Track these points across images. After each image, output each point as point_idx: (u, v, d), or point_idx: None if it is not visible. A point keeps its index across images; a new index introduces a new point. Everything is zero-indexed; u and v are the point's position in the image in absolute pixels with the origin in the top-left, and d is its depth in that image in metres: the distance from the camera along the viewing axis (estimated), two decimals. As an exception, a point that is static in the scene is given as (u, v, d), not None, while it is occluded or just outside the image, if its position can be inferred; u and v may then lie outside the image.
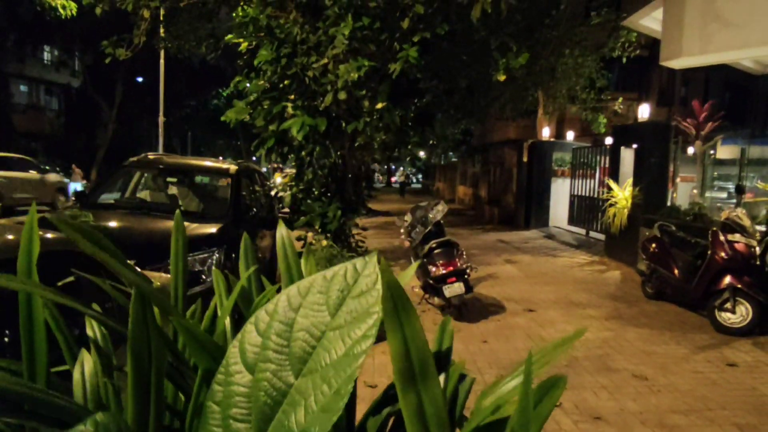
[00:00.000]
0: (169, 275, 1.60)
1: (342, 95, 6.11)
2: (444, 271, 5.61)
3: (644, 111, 9.68)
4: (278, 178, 23.13)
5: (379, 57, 6.41)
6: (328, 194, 7.63)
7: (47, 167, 17.11)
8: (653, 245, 6.75)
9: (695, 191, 12.25)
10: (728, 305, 5.39)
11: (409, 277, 1.20)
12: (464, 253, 6.03)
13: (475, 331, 5.38)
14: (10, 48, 27.37)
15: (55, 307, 1.10)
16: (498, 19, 8.00)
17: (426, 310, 6.03)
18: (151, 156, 6.60)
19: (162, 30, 10.10)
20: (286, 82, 6.54)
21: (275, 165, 32.48)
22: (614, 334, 5.35)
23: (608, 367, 4.44)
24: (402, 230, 6.62)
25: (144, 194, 6.40)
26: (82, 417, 0.65)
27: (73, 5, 10.01)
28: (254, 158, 30.93)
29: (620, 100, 17.02)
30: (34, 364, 0.97)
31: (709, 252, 5.69)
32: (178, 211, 1.34)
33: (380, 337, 0.72)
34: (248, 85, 6.82)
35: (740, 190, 8.52)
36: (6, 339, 2.15)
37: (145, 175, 6.50)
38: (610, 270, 8.83)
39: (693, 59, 7.30)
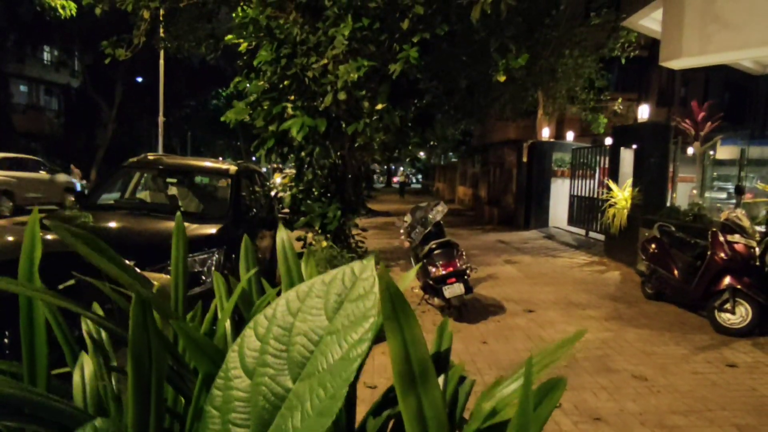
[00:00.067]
0: (169, 276, 1.60)
1: (342, 96, 6.12)
2: (444, 272, 5.61)
3: (644, 111, 9.69)
4: (278, 179, 23.13)
5: (379, 57, 6.42)
6: (328, 195, 7.64)
7: (58, 167, 17.35)
8: (653, 246, 6.75)
9: (695, 192, 12.25)
10: (728, 306, 5.39)
11: (409, 281, 1.21)
12: (464, 253, 6.03)
13: (475, 331, 5.38)
14: (10, 48, 27.38)
15: (56, 309, 1.10)
16: (498, 19, 8.00)
17: (426, 310, 6.03)
18: (150, 156, 6.59)
19: (162, 30, 10.10)
20: (285, 82, 6.55)
21: (275, 165, 32.48)
22: (614, 334, 5.35)
23: (608, 367, 4.44)
24: (402, 231, 6.62)
25: (144, 195, 6.40)
26: (82, 421, 0.65)
27: (73, 5, 10.01)
28: (254, 158, 30.91)
29: (620, 100, 17.04)
30: (34, 367, 0.97)
31: (708, 253, 5.69)
32: (179, 213, 1.34)
33: (380, 338, 0.72)
34: (248, 85, 6.82)
35: (740, 191, 8.53)
36: (6, 340, 2.16)
37: (145, 175, 6.49)
38: (609, 270, 8.84)
39: (692, 60, 7.31)
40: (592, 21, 13.33)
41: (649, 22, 8.54)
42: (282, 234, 1.29)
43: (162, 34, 10.31)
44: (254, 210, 6.47)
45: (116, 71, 25.44)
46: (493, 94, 14.26)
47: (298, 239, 7.64)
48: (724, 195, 15.07)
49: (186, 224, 1.35)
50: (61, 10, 9.91)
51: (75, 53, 30.02)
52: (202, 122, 38.23)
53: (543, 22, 12.46)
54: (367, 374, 3.97)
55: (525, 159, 14.85)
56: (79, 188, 15.99)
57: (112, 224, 4.93)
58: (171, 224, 4.89)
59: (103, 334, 1.14)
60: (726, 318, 5.42)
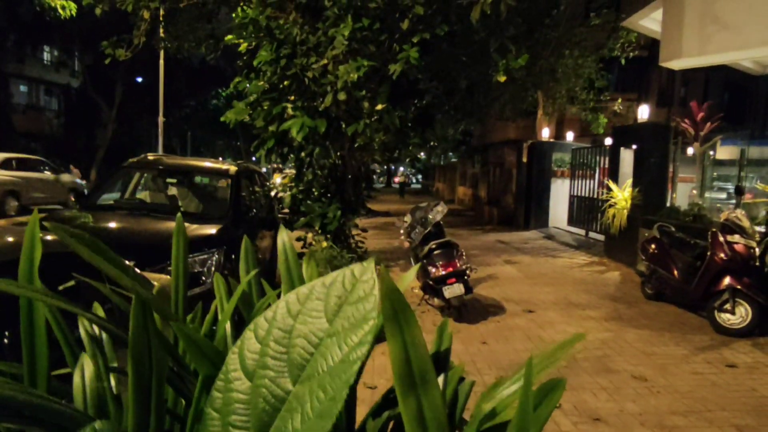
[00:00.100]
0: (169, 277, 1.60)
1: (342, 96, 6.12)
2: (444, 272, 5.61)
3: (644, 112, 9.69)
4: (278, 179, 23.14)
5: (379, 58, 6.42)
6: (328, 195, 7.64)
7: (62, 168, 17.59)
8: (653, 246, 6.75)
9: (695, 192, 12.25)
10: (728, 306, 5.40)
11: (409, 281, 1.21)
12: (464, 253, 6.03)
13: (475, 332, 5.38)
14: (10, 48, 27.39)
15: (57, 310, 1.10)
16: (498, 20, 8.00)
17: (426, 311, 6.03)
18: (150, 157, 6.59)
19: (161, 30, 10.10)
20: (285, 82, 6.55)
21: (275, 165, 32.49)
22: (614, 335, 5.36)
23: (608, 368, 4.44)
24: (401, 231, 6.62)
25: (144, 195, 6.40)
26: (83, 423, 0.65)
27: (73, 6, 10.02)
28: (254, 159, 30.92)
29: (620, 100, 17.05)
30: (34, 368, 0.97)
31: (708, 253, 5.69)
32: (179, 214, 1.34)
33: (380, 338, 0.72)
34: (248, 85, 6.82)
35: (739, 191, 8.52)
36: (6, 341, 2.16)
37: (145, 175, 6.49)
38: (609, 271, 8.84)
39: (692, 60, 7.31)
40: (592, 21, 13.34)
41: (649, 22, 8.55)
42: (283, 235, 1.29)
43: (162, 34, 10.31)
44: (254, 210, 6.46)
45: (116, 71, 25.46)
46: (493, 94, 14.26)
47: (298, 239, 7.65)
48: (723, 195, 15.07)
49: (186, 224, 1.35)
50: (61, 11, 9.91)
51: (75, 53, 30.04)
52: (202, 122, 38.24)
53: (543, 22, 12.47)
54: (367, 375, 3.97)
55: (525, 159, 14.86)
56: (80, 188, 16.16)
57: (112, 224, 4.93)
58: (171, 224, 4.90)
59: (104, 334, 1.14)
60: (726, 318, 5.42)
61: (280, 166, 30.84)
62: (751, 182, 13.74)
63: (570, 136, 17.24)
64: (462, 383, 1.10)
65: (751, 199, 9.54)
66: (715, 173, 14.43)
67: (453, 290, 5.57)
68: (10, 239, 2.22)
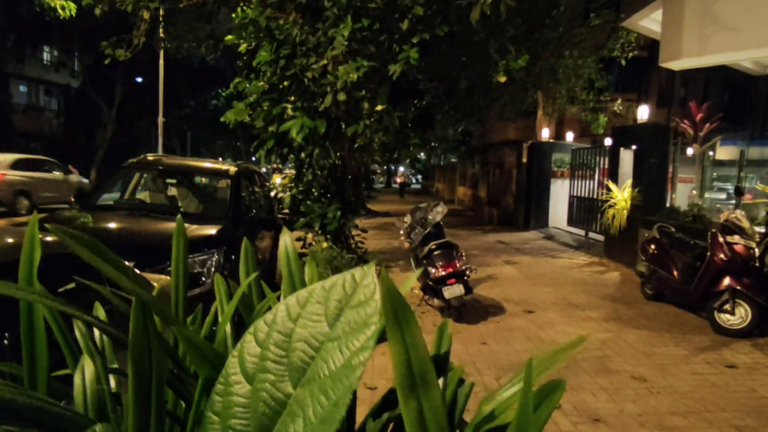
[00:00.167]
0: (169, 277, 1.60)
1: (341, 96, 6.12)
2: (443, 273, 5.61)
3: (643, 112, 9.69)
4: (278, 179, 23.15)
5: (379, 58, 6.42)
6: (328, 195, 7.65)
7: (71, 168, 18.02)
8: (652, 246, 6.75)
9: (694, 192, 12.26)
10: (727, 307, 5.40)
11: (411, 285, 1.21)
12: (464, 254, 6.03)
13: (475, 332, 5.38)
14: (10, 48, 27.38)
15: (57, 311, 1.10)
16: (497, 20, 8.00)
17: (425, 311, 6.04)
18: (150, 157, 6.60)
19: (161, 31, 10.10)
20: (285, 83, 6.55)
21: (275, 166, 32.49)
22: (613, 335, 5.36)
23: (607, 368, 4.44)
24: (401, 231, 6.63)
25: (143, 195, 6.40)
26: (83, 426, 0.65)
27: (73, 6, 10.01)
28: (254, 159, 30.92)
29: (619, 101, 17.06)
30: (34, 369, 0.97)
31: (708, 253, 5.69)
32: (179, 215, 1.34)
33: (380, 339, 0.72)
34: (248, 86, 6.82)
35: (739, 192, 8.52)
36: (6, 341, 2.16)
37: (145, 176, 6.50)
38: (609, 271, 8.84)
39: (692, 60, 7.31)
40: (591, 22, 13.34)
41: (649, 22, 8.56)
42: (286, 238, 1.29)
43: (162, 35, 10.31)
44: (254, 211, 6.47)
45: (116, 71, 25.44)
46: (493, 94, 14.28)
47: (298, 239, 7.65)
48: (723, 196, 15.07)
49: (185, 225, 1.35)
50: (60, 11, 9.90)
51: (75, 53, 30.02)
52: (202, 122, 38.23)
53: (543, 22, 12.48)
54: (367, 375, 3.98)
55: (525, 159, 14.86)
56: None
57: (112, 225, 4.93)
58: (171, 225, 4.90)
59: (104, 336, 1.14)
60: (725, 319, 5.42)
61: (280, 166, 30.85)
62: (751, 183, 13.75)
63: (570, 136, 17.24)
64: (462, 385, 1.10)
65: (750, 200, 9.54)
66: (714, 174, 14.44)
67: (453, 291, 5.57)
68: (10, 240, 2.22)
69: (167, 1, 8.46)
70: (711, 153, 13.42)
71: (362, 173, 8.33)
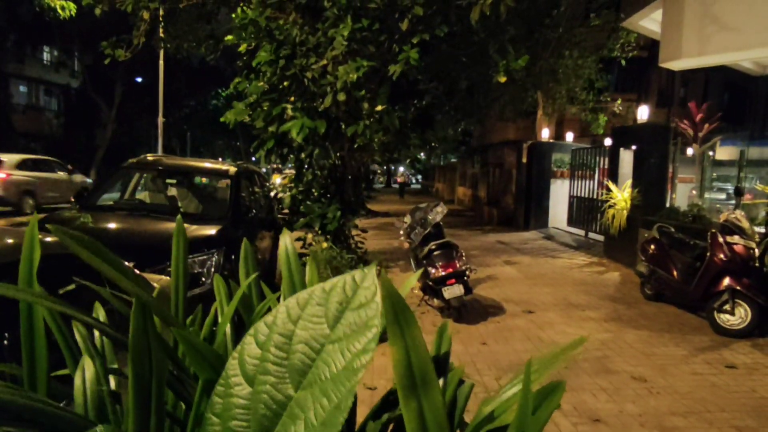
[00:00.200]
0: (169, 278, 1.60)
1: (341, 96, 6.12)
2: (443, 273, 5.61)
3: (643, 112, 9.69)
4: (277, 179, 23.16)
5: (379, 58, 6.42)
6: (328, 195, 7.64)
7: (70, 167, 18.23)
8: (652, 246, 6.75)
9: (694, 192, 12.25)
10: (727, 307, 5.40)
11: (411, 286, 1.21)
12: (463, 254, 6.03)
13: (475, 332, 5.38)
14: (10, 48, 27.38)
15: (56, 312, 1.10)
16: (497, 21, 8.00)
17: (425, 311, 6.03)
18: (150, 157, 6.60)
19: (161, 31, 10.10)
20: (285, 83, 6.55)
21: (275, 166, 32.49)
22: (613, 335, 5.36)
23: (607, 368, 4.44)
24: (401, 232, 6.63)
25: (143, 196, 6.40)
26: (83, 427, 0.65)
27: (73, 6, 10.01)
28: (254, 159, 30.91)
29: (619, 101, 17.06)
30: (34, 370, 0.97)
31: (708, 254, 5.69)
32: (179, 216, 1.34)
33: (380, 339, 0.72)
34: (248, 86, 6.82)
35: (739, 192, 8.52)
36: (6, 342, 2.15)
37: (145, 176, 6.50)
38: (609, 271, 8.84)
39: (692, 61, 7.32)
40: (591, 22, 13.35)
41: (649, 22, 8.56)
42: (285, 239, 1.29)
43: (162, 35, 10.31)
44: (254, 211, 6.47)
45: (116, 71, 25.44)
46: (493, 94, 14.27)
47: (298, 239, 7.64)
48: (723, 196, 15.06)
49: (185, 225, 1.35)
50: (60, 11, 9.91)
51: (75, 53, 30.02)
52: (202, 122, 38.22)
53: (543, 22, 12.47)
54: (366, 375, 3.98)
55: (524, 159, 14.86)
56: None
57: (112, 225, 4.94)
58: (170, 225, 4.90)
59: (104, 337, 1.14)
60: (725, 319, 5.42)
61: (280, 166, 30.86)
62: (751, 183, 13.73)
63: (570, 136, 17.24)
64: (462, 386, 1.10)
65: (750, 200, 9.54)
66: (714, 174, 14.43)
67: (453, 291, 5.57)
68: (10, 241, 2.22)
69: (167, 2, 8.45)
70: (711, 153, 13.41)
71: (362, 173, 8.33)
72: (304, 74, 6.39)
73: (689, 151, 13.59)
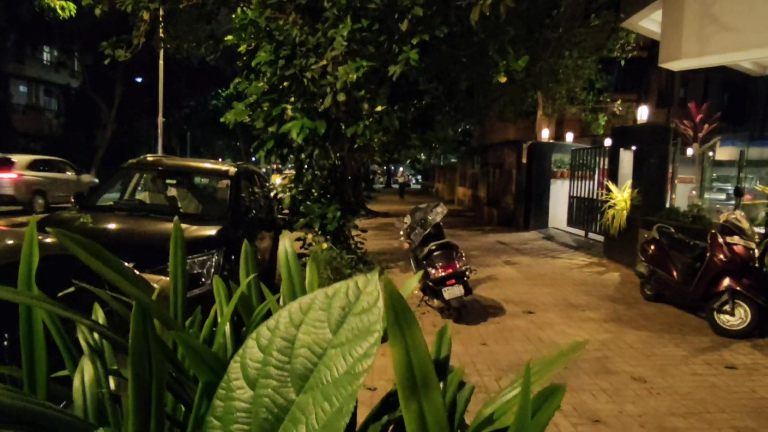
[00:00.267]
0: (168, 278, 1.60)
1: (341, 97, 6.12)
2: (443, 273, 5.61)
3: (643, 112, 9.69)
4: (277, 180, 23.16)
5: (378, 58, 6.42)
6: (328, 196, 7.64)
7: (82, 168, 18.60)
8: (652, 247, 6.75)
9: (694, 193, 12.25)
10: (727, 307, 5.40)
11: (412, 288, 1.21)
12: (463, 254, 6.02)
13: (475, 333, 5.38)
14: (10, 48, 27.38)
15: (55, 314, 1.10)
16: (497, 21, 8.00)
17: (425, 312, 6.03)
18: (150, 158, 6.60)
19: (161, 31, 10.11)
20: (285, 83, 6.55)
21: (274, 166, 32.48)
22: (613, 336, 5.36)
23: (607, 369, 4.44)
24: (401, 232, 6.62)
25: (143, 196, 6.40)
26: (83, 429, 0.65)
27: (72, 6, 10.00)
28: (254, 159, 30.91)
29: (619, 101, 17.06)
30: (33, 372, 0.97)
31: (707, 254, 5.69)
32: (176, 217, 1.34)
33: (381, 339, 0.72)
34: (248, 86, 6.82)
35: (739, 193, 8.53)
36: (5, 343, 2.15)
37: (144, 176, 6.50)
38: (609, 272, 8.84)
39: (692, 61, 7.32)
40: (591, 22, 13.34)
41: (649, 23, 8.56)
42: (285, 240, 1.28)
43: (161, 35, 10.31)
44: (254, 211, 6.47)
45: (116, 72, 25.45)
46: (493, 95, 14.27)
47: (298, 240, 7.64)
48: (723, 196, 15.06)
49: (185, 225, 1.35)
50: (60, 11, 9.90)
51: (74, 53, 30.04)
52: (202, 123, 38.22)
53: (542, 23, 12.47)
54: (367, 376, 3.97)
55: (524, 160, 14.86)
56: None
57: (112, 225, 4.93)
58: (170, 225, 4.87)
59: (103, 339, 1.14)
60: (725, 319, 5.42)
61: (280, 166, 30.85)
62: (751, 183, 13.73)
63: (570, 136, 17.24)
64: (462, 387, 1.10)
65: (750, 201, 9.54)
66: (714, 174, 14.43)
67: (452, 291, 5.57)
68: (9, 242, 2.22)
69: (167, 2, 8.46)
70: (711, 153, 13.40)
71: (362, 174, 8.33)
72: (304, 75, 6.39)
73: (689, 152, 13.60)
